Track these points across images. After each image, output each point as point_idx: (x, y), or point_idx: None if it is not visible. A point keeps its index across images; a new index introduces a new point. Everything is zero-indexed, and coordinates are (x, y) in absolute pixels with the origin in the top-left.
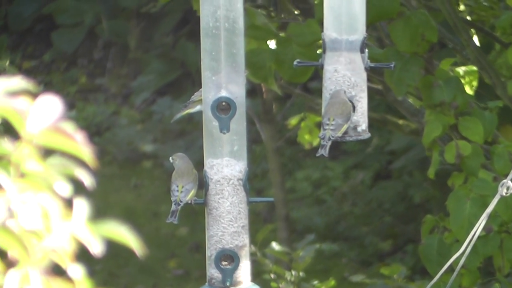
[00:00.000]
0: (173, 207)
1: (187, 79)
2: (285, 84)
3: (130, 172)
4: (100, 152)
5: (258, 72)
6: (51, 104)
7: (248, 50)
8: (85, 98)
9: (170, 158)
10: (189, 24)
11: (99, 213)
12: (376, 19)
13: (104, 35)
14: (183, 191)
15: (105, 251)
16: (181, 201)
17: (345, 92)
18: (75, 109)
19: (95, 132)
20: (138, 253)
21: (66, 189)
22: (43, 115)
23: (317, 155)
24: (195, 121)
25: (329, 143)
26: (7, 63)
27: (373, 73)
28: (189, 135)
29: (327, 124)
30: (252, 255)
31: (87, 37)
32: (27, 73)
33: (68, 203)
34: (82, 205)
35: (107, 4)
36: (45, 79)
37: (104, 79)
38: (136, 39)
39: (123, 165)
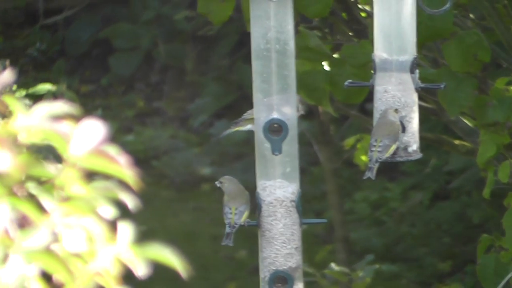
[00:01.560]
0: (228, 229)
1: (245, 102)
2: (342, 106)
3: (188, 195)
4: (158, 175)
5: (312, 94)
6: (94, 128)
7: (302, 72)
8: (142, 122)
9: (217, 182)
10: (245, 46)
11: (158, 236)
12: (429, 39)
13: (161, 58)
14: (236, 213)
15: (164, 274)
16: (236, 224)
17: (396, 110)
18: (133, 133)
19: (153, 156)
20: (183, 275)
21: (110, 212)
22: (86, 138)
23: (364, 177)
24: (252, 143)
25: (376, 165)
26: (65, 87)
27: (427, 93)
28: (247, 157)
29: (374, 146)
30: (311, 275)
31: (144, 61)
32: (85, 97)
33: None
34: (126, 228)
35: (164, 28)
36: (103, 103)
37: (162, 102)
38: (193, 62)
39: (181, 189)
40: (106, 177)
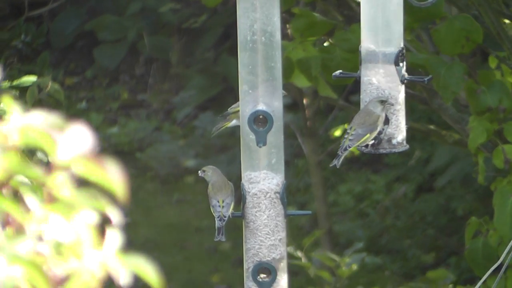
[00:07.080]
0: (218, 223)
1: (229, 94)
2: (328, 97)
3: (173, 188)
4: (143, 167)
5: (310, 78)
6: (81, 134)
7: (297, 60)
8: (127, 114)
9: (200, 171)
10: (230, 38)
11: (142, 228)
12: (420, 20)
13: (146, 51)
14: (224, 206)
15: None
16: (224, 216)
17: (383, 101)
18: (117, 125)
19: (137, 148)
20: None
21: (94, 218)
22: (74, 144)
23: (331, 165)
24: (236, 135)
25: (345, 153)
26: (49, 79)
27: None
28: (231, 149)
29: (347, 134)
30: (296, 258)
31: (129, 53)
32: (70, 89)
33: (101, 230)
34: (115, 236)
35: (149, 20)
36: (88, 95)
37: (146, 94)
38: (178, 54)
39: (166, 181)
40: (96, 185)
